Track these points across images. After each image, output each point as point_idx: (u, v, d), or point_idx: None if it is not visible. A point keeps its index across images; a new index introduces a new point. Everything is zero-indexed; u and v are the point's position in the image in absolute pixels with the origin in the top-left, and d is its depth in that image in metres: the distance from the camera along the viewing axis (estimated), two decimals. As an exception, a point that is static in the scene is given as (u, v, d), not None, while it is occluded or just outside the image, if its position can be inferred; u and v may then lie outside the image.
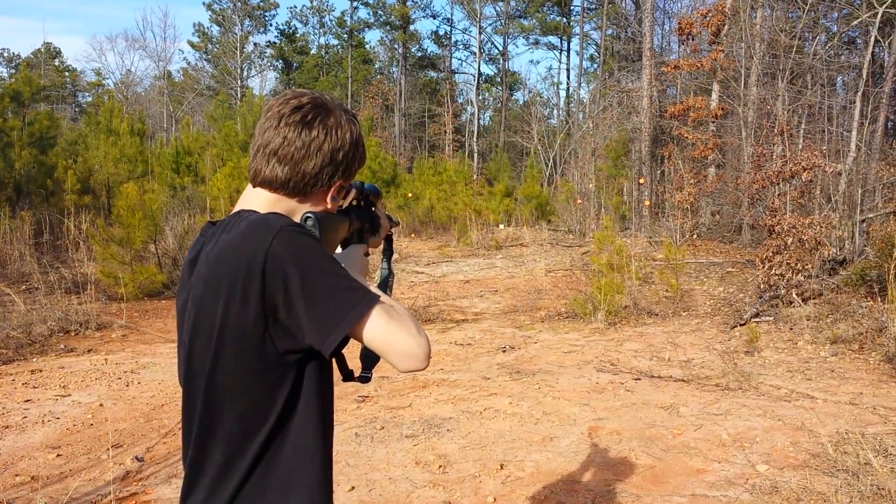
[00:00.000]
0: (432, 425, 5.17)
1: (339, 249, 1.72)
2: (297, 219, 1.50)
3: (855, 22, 19.49)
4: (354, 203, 1.79)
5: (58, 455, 4.63)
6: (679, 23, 18.86)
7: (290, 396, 1.39)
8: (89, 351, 7.49)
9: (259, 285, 1.30)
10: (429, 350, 1.37)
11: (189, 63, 50.64)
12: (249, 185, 1.53)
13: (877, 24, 14.43)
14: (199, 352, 1.40)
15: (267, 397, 1.37)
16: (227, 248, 1.37)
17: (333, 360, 1.45)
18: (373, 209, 1.84)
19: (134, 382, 6.34)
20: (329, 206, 1.56)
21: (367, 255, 1.77)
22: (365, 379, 1.66)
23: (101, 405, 5.69)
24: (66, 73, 50.54)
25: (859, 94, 13.43)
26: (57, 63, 50.79)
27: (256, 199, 1.50)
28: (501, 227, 19.49)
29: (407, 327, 1.36)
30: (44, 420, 5.32)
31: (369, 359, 1.66)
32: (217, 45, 47.97)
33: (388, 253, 1.92)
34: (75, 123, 29.54)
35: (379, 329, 1.34)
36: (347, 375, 1.61)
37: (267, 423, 1.38)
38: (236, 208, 1.52)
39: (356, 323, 1.32)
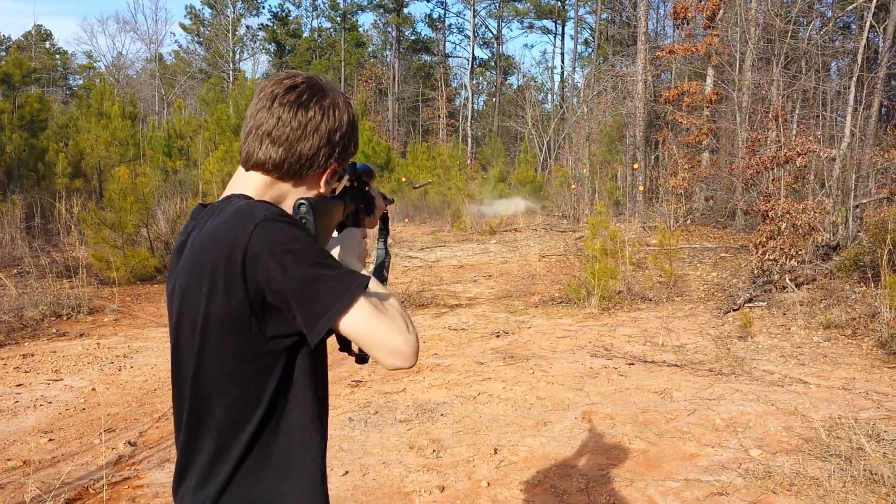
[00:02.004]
0: (426, 410, 5.16)
1: (334, 234, 1.67)
2: (288, 203, 1.46)
3: (850, 7, 19.46)
4: (347, 185, 1.75)
5: (50, 440, 4.61)
6: (674, 7, 18.76)
7: (280, 384, 1.36)
8: (81, 335, 7.46)
9: (240, 275, 1.27)
10: (417, 348, 1.32)
11: (181, 46, 50.40)
12: (241, 169, 1.48)
13: (871, 10, 14.40)
14: (185, 339, 1.38)
15: (256, 385, 1.35)
16: (211, 235, 1.33)
17: (327, 342, 1.41)
18: (367, 189, 1.79)
19: (126, 367, 6.32)
20: (322, 190, 1.50)
21: (364, 237, 1.71)
22: (363, 359, 1.60)
23: (93, 389, 5.67)
24: (57, 56, 50.12)
25: (854, 79, 13.44)
26: (48, 45, 50.33)
27: (248, 183, 1.45)
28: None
29: (395, 322, 1.31)
30: (36, 404, 5.29)
31: None
32: (209, 28, 47.63)
33: (383, 233, 1.87)
34: (66, 106, 29.32)
35: (363, 322, 1.28)
36: (344, 346, 1.54)
37: (258, 410, 1.35)
38: (227, 192, 1.47)
39: (340, 314, 1.27)
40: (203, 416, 1.37)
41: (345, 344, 1.52)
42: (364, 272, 1.48)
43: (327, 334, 1.30)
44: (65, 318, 8.04)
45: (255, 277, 1.27)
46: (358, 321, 1.28)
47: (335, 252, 1.56)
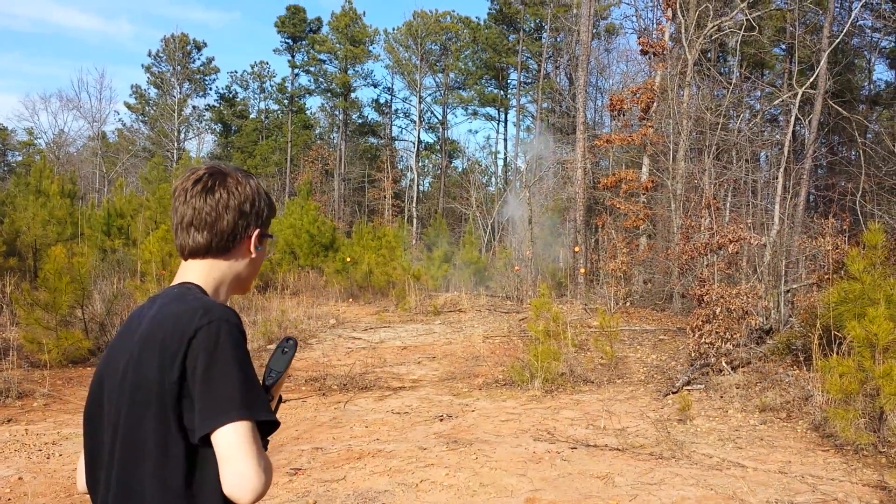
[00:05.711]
0: (367, 499, 5.07)
1: None
2: (227, 282, 1.63)
3: (777, 101, 20.58)
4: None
5: (-32, 534, 4.37)
6: (611, 99, 19.59)
7: (194, 475, 1.44)
8: (9, 421, 7.15)
9: (182, 355, 1.42)
10: (261, 493, 1.39)
11: (125, 124, 50.07)
12: (182, 262, 1.66)
13: (797, 104, 15.28)
14: (140, 405, 1.46)
15: (175, 473, 1.42)
16: (170, 315, 1.49)
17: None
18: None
19: (55, 454, 6.07)
20: (254, 255, 1.67)
21: None
22: None
23: (20, 479, 5.42)
24: (-4, 132, 49.35)
25: (782, 169, 14.11)
26: (-13, 121, 49.58)
27: (191, 271, 1.63)
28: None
29: (258, 460, 1.40)
30: (-45, 496, 5.03)
31: None
32: (154, 108, 47.60)
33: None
34: (3, 183, 28.78)
35: (234, 440, 1.38)
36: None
37: (181, 493, 1.42)
38: (178, 280, 1.64)
39: (225, 424, 1.38)
40: (130, 485, 1.45)
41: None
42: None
43: (208, 435, 1.39)
44: (-9, 402, 7.71)
45: (189, 361, 1.42)
46: (231, 439, 1.38)
47: None
